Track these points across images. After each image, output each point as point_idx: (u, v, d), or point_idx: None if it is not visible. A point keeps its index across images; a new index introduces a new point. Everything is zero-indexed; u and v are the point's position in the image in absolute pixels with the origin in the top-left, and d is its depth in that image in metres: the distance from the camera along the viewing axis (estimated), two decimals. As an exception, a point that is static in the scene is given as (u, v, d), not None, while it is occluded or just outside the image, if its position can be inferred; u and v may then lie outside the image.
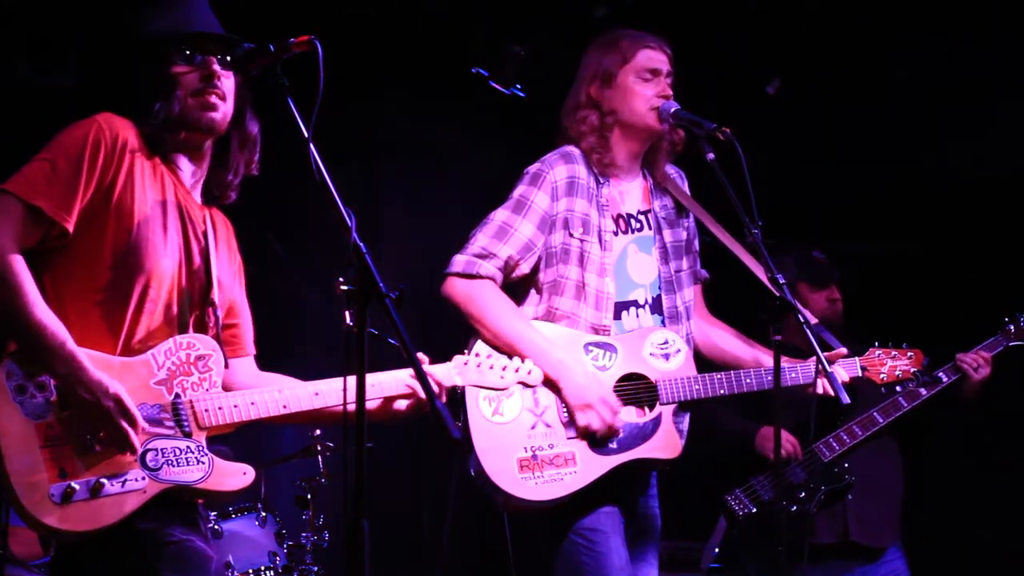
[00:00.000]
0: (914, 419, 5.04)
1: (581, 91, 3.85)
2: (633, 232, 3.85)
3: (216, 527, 5.15)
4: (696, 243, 4.00)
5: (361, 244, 2.60)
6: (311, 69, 2.68)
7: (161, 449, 2.84)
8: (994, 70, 5.75)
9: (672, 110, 3.75)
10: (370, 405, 3.08)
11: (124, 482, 2.77)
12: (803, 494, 4.87)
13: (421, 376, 2.62)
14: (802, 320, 3.38)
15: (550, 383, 3.61)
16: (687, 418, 3.81)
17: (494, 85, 5.96)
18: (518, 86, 5.96)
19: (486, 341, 3.63)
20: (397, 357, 2.74)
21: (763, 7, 5.60)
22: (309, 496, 5.63)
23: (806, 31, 5.71)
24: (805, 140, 6.24)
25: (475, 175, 6.35)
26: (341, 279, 2.58)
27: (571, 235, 3.73)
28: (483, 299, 3.66)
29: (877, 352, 3.98)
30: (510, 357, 3.46)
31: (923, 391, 4.82)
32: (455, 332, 3.74)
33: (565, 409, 3.63)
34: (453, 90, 6.11)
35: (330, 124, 2.78)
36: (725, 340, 3.97)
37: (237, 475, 2.95)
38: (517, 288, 3.78)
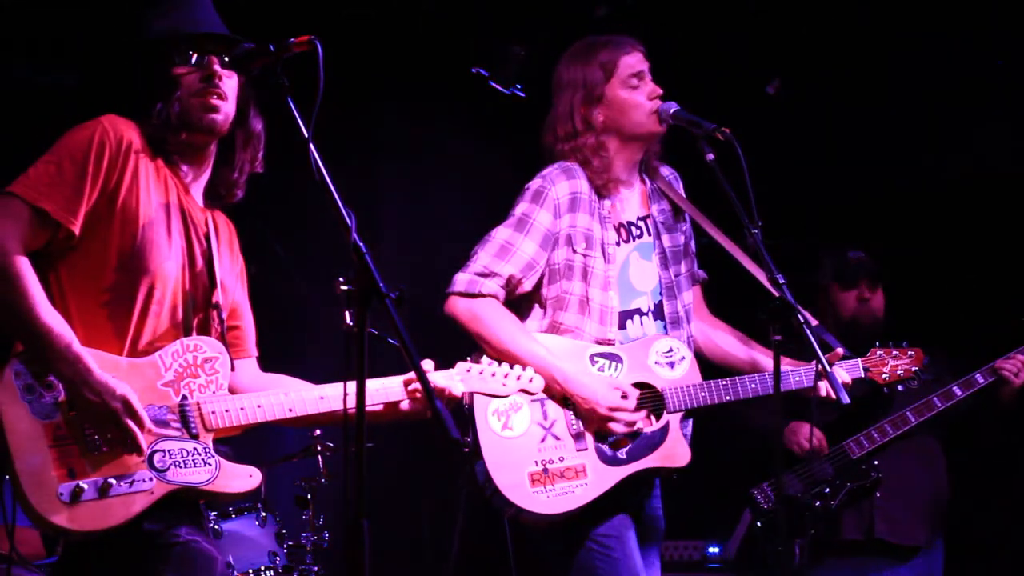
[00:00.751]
0: (958, 421, 5.07)
1: (572, 116, 3.80)
2: (634, 240, 3.84)
3: (216, 527, 5.14)
4: (693, 244, 4.00)
5: (361, 244, 2.60)
6: (311, 69, 2.68)
7: (168, 450, 2.84)
8: (994, 70, 5.75)
9: (672, 110, 3.74)
10: (373, 409, 3.08)
11: (132, 482, 2.78)
12: (828, 490, 4.92)
13: (421, 376, 2.62)
14: (802, 320, 3.37)
15: (560, 395, 3.62)
16: (690, 423, 3.82)
17: (494, 85, 5.96)
18: (518, 86, 5.96)
19: (492, 358, 3.59)
20: (397, 357, 2.74)
21: (763, 7, 5.60)
22: (309, 496, 5.63)
23: (806, 31, 5.71)
24: (805, 140, 6.24)
25: (475, 175, 6.34)
26: (341, 279, 2.58)
27: (574, 251, 3.73)
28: (486, 317, 3.65)
29: (879, 352, 3.99)
30: (511, 366, 3.46)
31: (958, 391, 4.87)
32: (455, 332, 3.73)
33: (574, 420, 3.63)
34: (453, 90, 6.11)
35: (330, 124, 2.78)
36: (726, 341, 3.98)
37: (243, 477, 2.96)
38: (520, 304, 3.77)
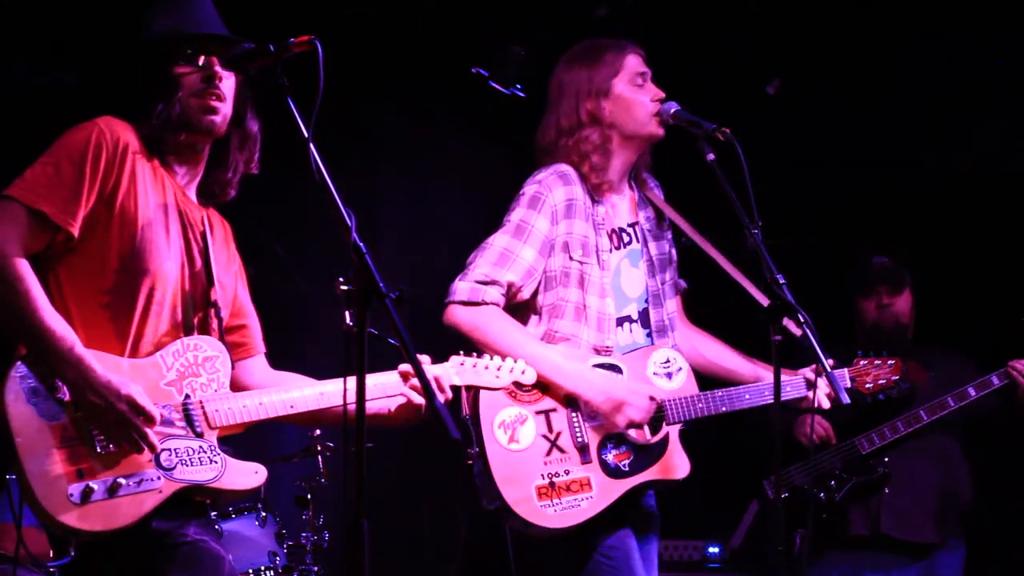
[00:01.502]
0: (976, 423, 5.08)
1: (576, 110, 3.80)
2: (624, 247, 3.85)
3: (216, 527, 5.15)
4: (674, 252, 4.01)
5: (361, 244, 2.60)
6: (311, 69, 2.68)
7: (174, 449, 2.85)
8: (994, 70, 5.75)
9: (672, 111, 3.75)
10: (372, 409, 3.08)
11: (140, 481, 2.78)
12: (834, 483, 4.96)
13: (421, 376, 2.62)
14: (802, 320, 3.37)
15: (570, 398, 3.61)
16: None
17: (494, 85, 5.96)
18: (518, 86, 5.96)
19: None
20: (397, 357, 2.74)
21: (763, 7, 5.59)
22: (309, 496, 5.63)
23: (806, 31, 5.71)
24: (805, 140, 6.24)
25: (475, 175, 6.34)
26: (341, 279, 2.58)
27: (571, 258, 3.72)
28: (489, 325, 3.61)
29: (863, 362, 3.98)
30: (504, 358, 3.45)
31: (972, 392, 4.89)
32: (455, 335, 3.73)
33: (579, 431, 3.63)
34: (453, 90, 6.11)
35: (330, 124, 2.78)
36: (709, 350, 3.99)
37: (249, 474, 2.97)
38: (514, 313, 3.74)
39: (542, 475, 3.56)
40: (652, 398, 3.64)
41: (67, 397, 2.76)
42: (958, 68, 5.77)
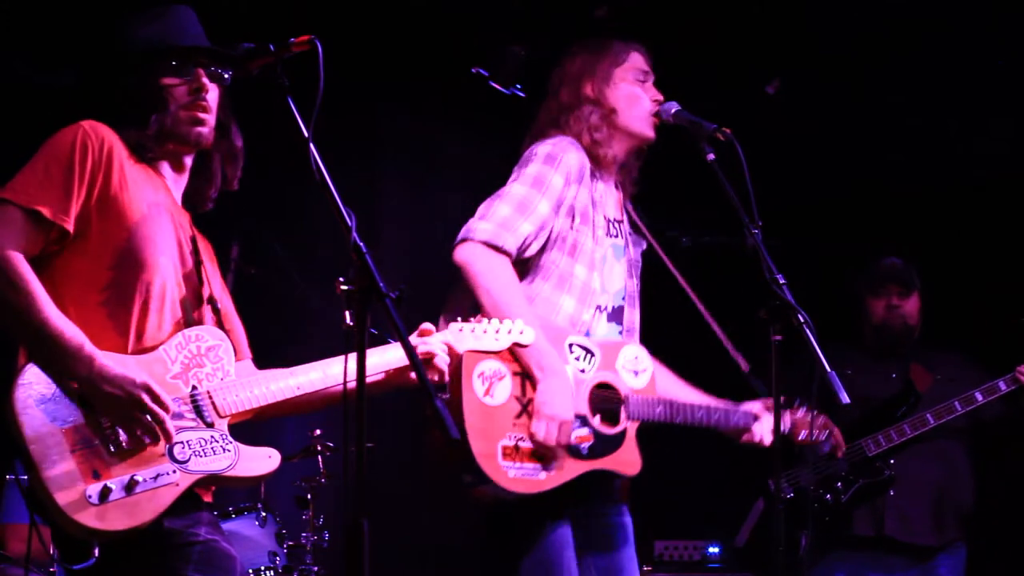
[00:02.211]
0: (987, 427, 5.08)
1: (578, 90, 3.81)
2: (611, 237, 3.84)
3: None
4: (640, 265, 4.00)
5: (361, 244, 2.60)
6: (311, 69, 2.68)
7: (187, 441, 2.85)
8: (994, 70, 5.75)
9: (673, 110, 3.76)
10: (375, 378, 3.09)
11: (157, 476, 2.78)
12: (840, 484, 4.98)
13: (421, 375, 2.62)
14: (802, 320, 3.37)
15: (532, 377, 3.55)
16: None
17: (494, 85, 5.95)
18: (518, 86, 5.96)
19: (486, 315, 3.50)
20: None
21: (763, 7, 5.59)
22: (309, 496, 5.63)
23: (806, 31, 5.71)
24: (805, 140, 6.24)
25: (475, 175, 6.32)
26: (341, 279, 2.58)
27: (572, 224, 3.69)
28: (502, 278, 3.53)
29: (801, 412, 3.99)
30: (501, 320, 3.41)
31: (979, 397, 4.92)
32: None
33: None
34: (453, 90, 6.11)
35: (330, 124, 2.78)
36: (661, 378, 3.89)
37: (263, 459, 3.00)
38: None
39: (509, 436, 3.49)
40: (555, 450, 3.52)
41: (76, 400, 2.75)
42: (958, 68, 5.76)
